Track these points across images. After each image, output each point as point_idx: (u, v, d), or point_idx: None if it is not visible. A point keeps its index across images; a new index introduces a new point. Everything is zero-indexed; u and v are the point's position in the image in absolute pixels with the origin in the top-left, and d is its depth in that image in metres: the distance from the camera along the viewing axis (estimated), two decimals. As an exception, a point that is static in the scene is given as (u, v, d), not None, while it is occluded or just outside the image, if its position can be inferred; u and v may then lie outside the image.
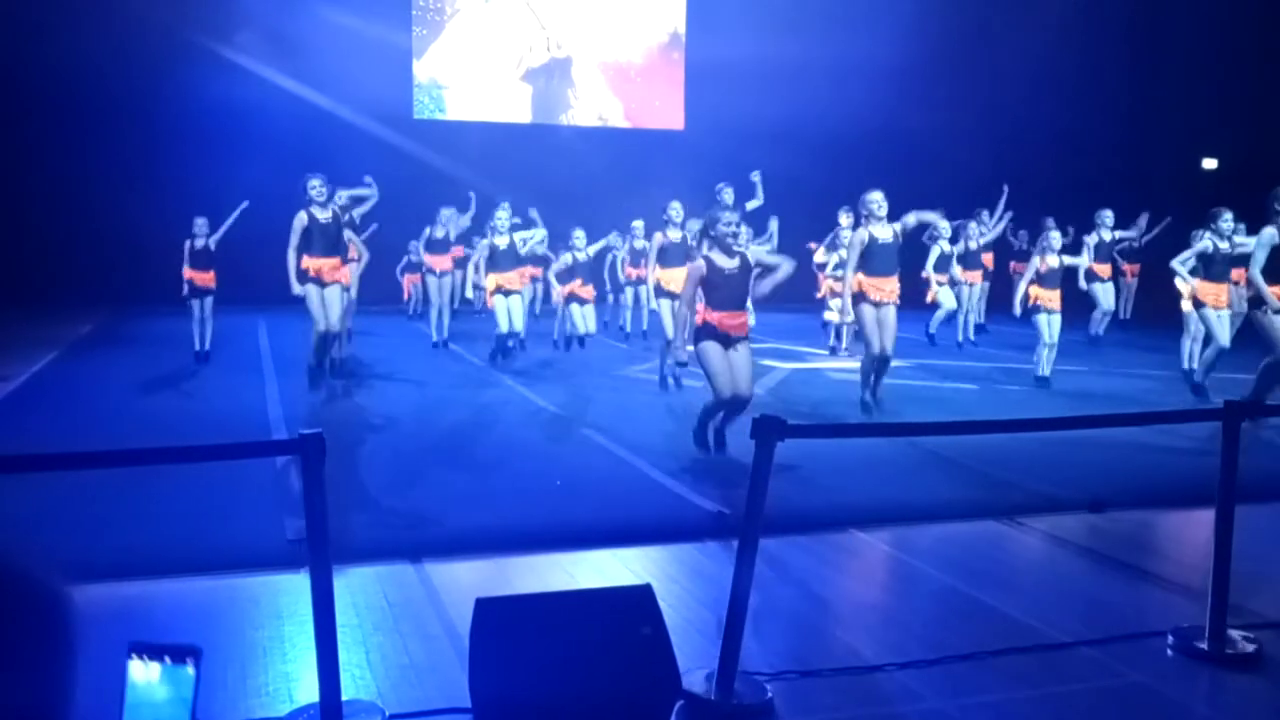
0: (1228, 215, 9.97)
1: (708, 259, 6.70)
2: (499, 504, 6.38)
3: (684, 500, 6.47)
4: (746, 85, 19.75)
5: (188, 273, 11.18)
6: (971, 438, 7.79)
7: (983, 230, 14.13)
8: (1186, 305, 10.74)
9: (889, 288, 8.87)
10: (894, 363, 12.02)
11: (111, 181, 16.40)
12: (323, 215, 9.32)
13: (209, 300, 11.27)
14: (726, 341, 6.71)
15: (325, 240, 9.33)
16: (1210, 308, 10.04)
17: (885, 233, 8.81)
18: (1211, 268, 9.91)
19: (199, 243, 11.13)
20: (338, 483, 6.20)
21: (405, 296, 16.68)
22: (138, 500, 5.89)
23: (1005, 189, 13.48)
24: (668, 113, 21.52)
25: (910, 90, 19.74)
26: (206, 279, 11.18)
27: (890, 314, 8.92)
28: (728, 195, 11.24)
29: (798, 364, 12.25)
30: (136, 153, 16.68)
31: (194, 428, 8.27)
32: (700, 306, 6.82)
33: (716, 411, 6.97)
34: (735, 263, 6.71)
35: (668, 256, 10.46)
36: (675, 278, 10.29)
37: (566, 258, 10.82)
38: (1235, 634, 4.27)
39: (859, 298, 8.90)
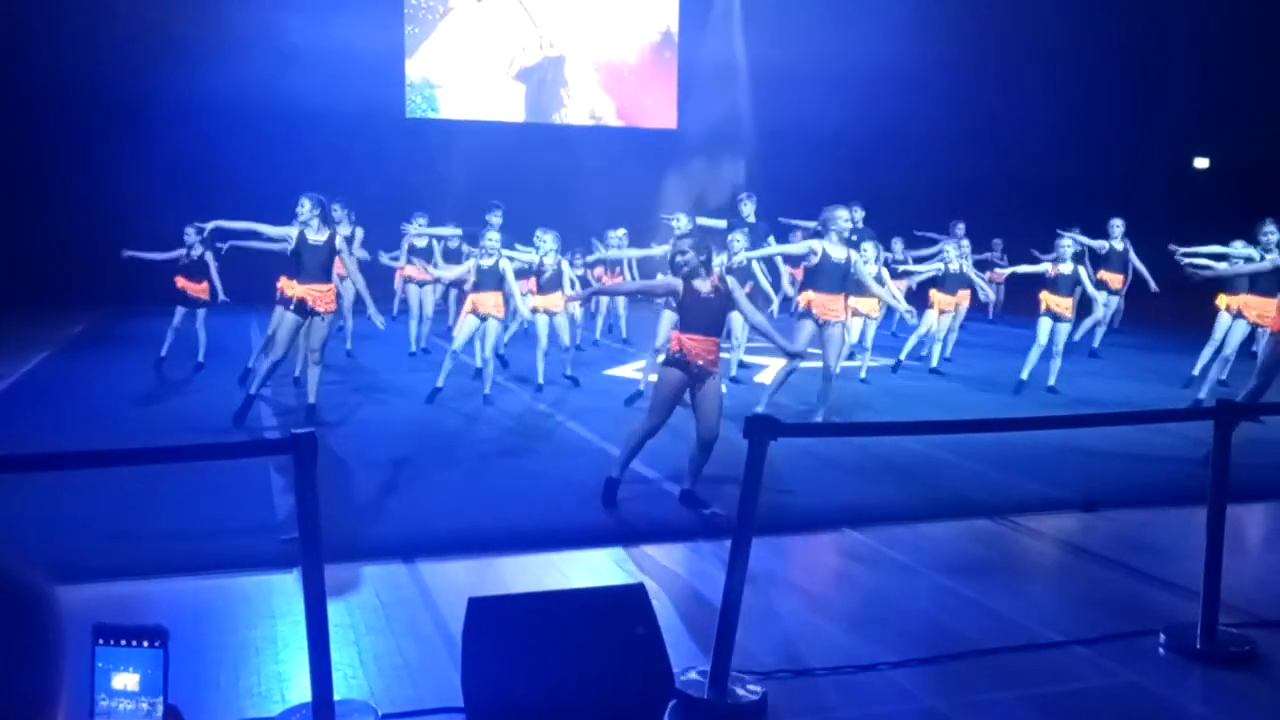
0: (1270, 227, 9.59)
1: (685, 280, 6.28)
2: (491, 503, 6.36)
3: (677, 500, 6.47)
4: (739, 85, 19.77)
5: (180, 282, 10.99)
6: (964, 437, 7.81)
7: (962, 251, 13.69)
8: (1224, 316, 10.36)
9: (836, 306, 8.63)
10: (884, 362, 12.06)
11: (103, 180, 16.35)
12: (314, 236, 8.50)
13: (200, 312, 11.09)
14: (692, 374, 6.21)
15: (315, 263, 8.50)
16: (1246, 322, 9.89)
17: (840, 253, 8.58)
18: (1259, 281, 9.61)
19: (194, 253, 10.96)
20: (330, 482, 6.20)
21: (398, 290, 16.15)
22: (130, 500, 5.87)
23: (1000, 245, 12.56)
24: (660, 112, 21.53)
25: (902, 91, 19.75)
26: (200, 289, 11.02)
27: (836, 332, 8.68)
28: (747, 207, 11.08)
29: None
30: (127, 151, 16.63)
31: (186, 427, 8.25)
32: (675, 333, 6.42)
33: (640, 444, 6.34)
34: (709, 287, 6.27)
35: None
36: None
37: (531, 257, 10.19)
38: (1228, 632, 4.28)
39: (806, 314, 8.65)
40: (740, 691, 3.70)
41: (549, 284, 10.39)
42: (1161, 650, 4.25)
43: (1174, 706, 3.84)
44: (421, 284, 12.90)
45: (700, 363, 6.18)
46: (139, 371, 10.87)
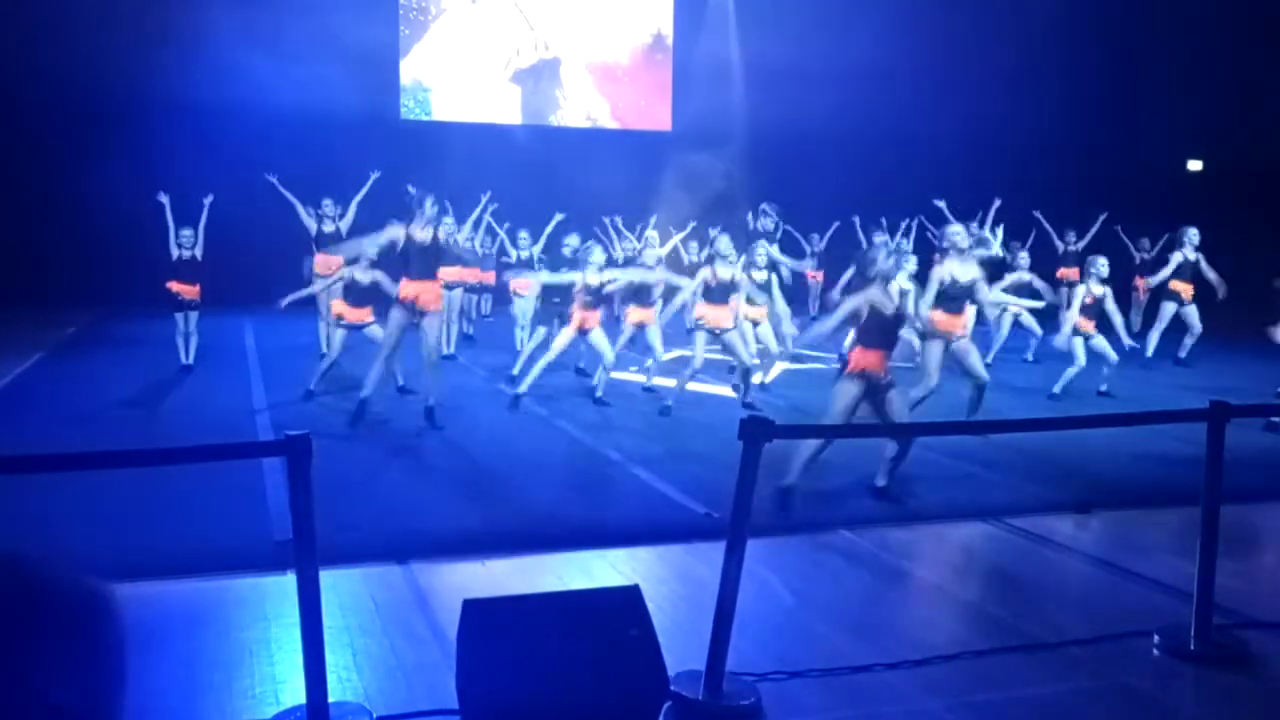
0: None
1: (869, 300, 6.40)
2: (486, 505, 6.37)
3: (672, 502, 6.47)
4: (733, 86, 19.78)
5: (173, 286, 10.95)
6: (957, 438, 7.82)
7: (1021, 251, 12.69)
8: None
9: (962, 323, 8.48)
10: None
11: (95, 182, 16.28)
12: (422, 234, 8.33)
13: (194, 314, 11.07)
14: (872, 387, 6.41)
15: (423, 262, 8.35)
16: None
17: (965, 273, 8.26)
18: None
19: (185, 254, 10.91)
20: (325, 484, 6.19)
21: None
22: (124, 502, 5.86)
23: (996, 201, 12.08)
24: (654, 113, 21.53)
25: (894, 93, 19.77)
26: (192, 292, 10.98)
27: (965, 343, 8.50)
28: (767, 222, 10.92)
29: (793, 365, 12.22)
30: (120, 153, 16.58)
31: (180, 429, 8.24)
32: (857, 350, 6.47)
33: (818, 452, 6.46)
34: (894, 306, 6.46)
35: (715, 295, 9.41)
36: (723, 316, 9.41)
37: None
38: (1221, 633, 4.28)
39: (934, 333, 8.38)
40: (735, 693, 3.70)
41: (644, 296, 10.00)
42: (1155, 651, 4.25)
43: (1167, 708, 3.84)
44: (450, 286, 12.85)
45: (878, 377, 6.39)
46: (133, 373, 10.84)
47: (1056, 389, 10.24)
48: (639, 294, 10.09)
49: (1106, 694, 3.89)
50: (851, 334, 6.66)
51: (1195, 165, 22.04)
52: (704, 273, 9.59)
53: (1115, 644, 4.29)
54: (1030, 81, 20.36)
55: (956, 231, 8.39)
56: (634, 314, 10.13)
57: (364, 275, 9.41)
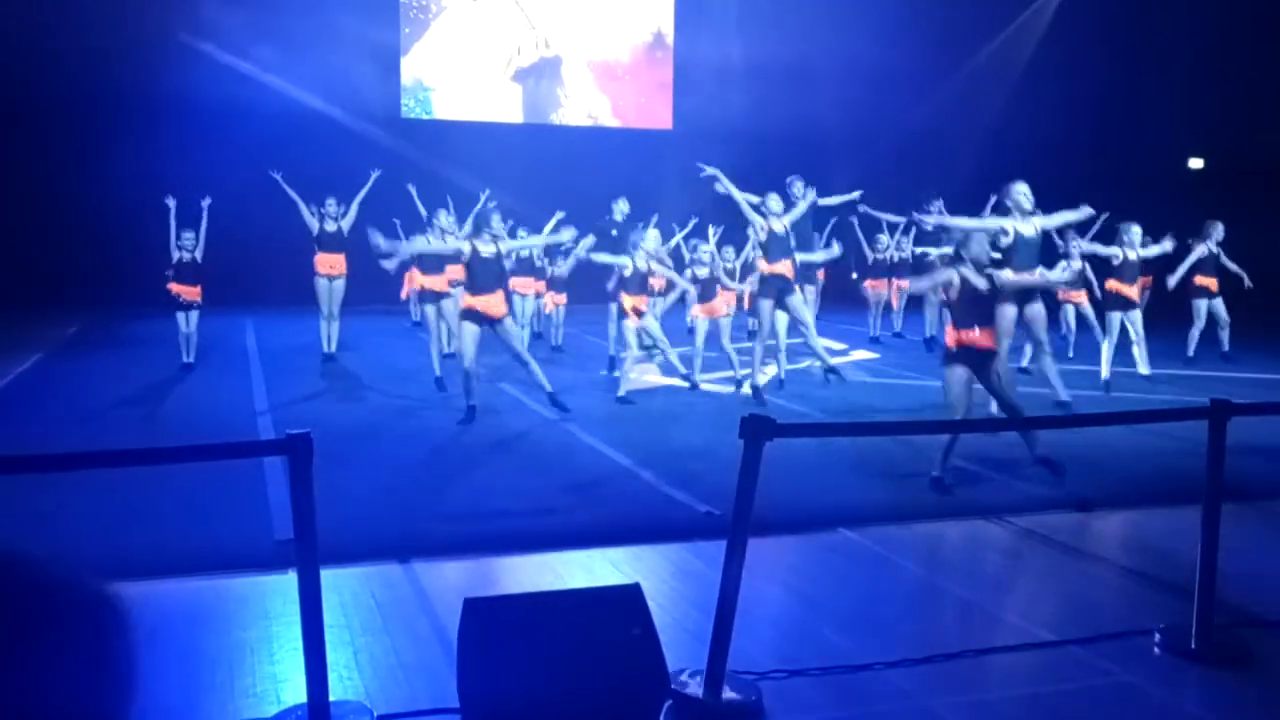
0: None
1: (961, 275, 6.63)
2: (487, 504, 6.37)
3: (673, 500, 6.47)
4: (733, 85, 19.76)
5: (174, 287, 10.98)
6: (958, 437, 7.81)
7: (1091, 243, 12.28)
8: None
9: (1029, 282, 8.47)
10: (873, 355, 12.05)
11: (96, 181, 16.31)
12: (486, 249, 8.59)
13: (194, 314, 11.10)
14: (974, 363, 6.61)
15: (486, 275, 8.59)
16: None
17: (1028, 228, 8.31)
18: None
19: (185, 256, 10.94)
20: (325, 483, 6.19)
21: (404, 295, 15.91)
22: (125, 501, 5.87)
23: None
24: (656, 112, 21.52)
25: (896, 91, 19.76)
26: (193, 293, 11.00)
27: (1039, 308, 8.66)
28: (798, 188, 10.88)
29: (794, 365, 12.22)
30: (121, 152, 16.59)
31: (181, 428, 8.25)
32: (949, 329, 6.78)
33: (954, 443, 6.74)
34: (985, 283, 6.66)
35: (774, 250, 9.62)
36: (786, 270, 9.58)
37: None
38: (1223, 632, 4.28)
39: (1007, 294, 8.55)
40: (735, 692, 3.70)
41: (640, 284, 10.01)
42: (1156, 650, 4.25)
43: (1169, 706, 3.84)
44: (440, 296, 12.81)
45: (979, 349, 6.58)
46: (134, 373, 10.85)
47: (1145, 370, 10.35)
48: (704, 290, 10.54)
49: (1108, 693, 3.89)
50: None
51: (1196, 163, 22.02)
52: (759, 221, 9.75)
53: (1116, 643, 4.29)
54: (1031, 80, 20.35)
55: (1022, 190, 8.36)
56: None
57: (436, 243, 9.91)
